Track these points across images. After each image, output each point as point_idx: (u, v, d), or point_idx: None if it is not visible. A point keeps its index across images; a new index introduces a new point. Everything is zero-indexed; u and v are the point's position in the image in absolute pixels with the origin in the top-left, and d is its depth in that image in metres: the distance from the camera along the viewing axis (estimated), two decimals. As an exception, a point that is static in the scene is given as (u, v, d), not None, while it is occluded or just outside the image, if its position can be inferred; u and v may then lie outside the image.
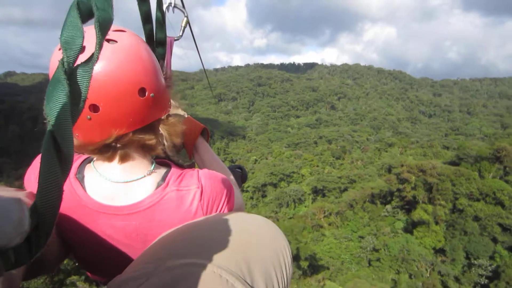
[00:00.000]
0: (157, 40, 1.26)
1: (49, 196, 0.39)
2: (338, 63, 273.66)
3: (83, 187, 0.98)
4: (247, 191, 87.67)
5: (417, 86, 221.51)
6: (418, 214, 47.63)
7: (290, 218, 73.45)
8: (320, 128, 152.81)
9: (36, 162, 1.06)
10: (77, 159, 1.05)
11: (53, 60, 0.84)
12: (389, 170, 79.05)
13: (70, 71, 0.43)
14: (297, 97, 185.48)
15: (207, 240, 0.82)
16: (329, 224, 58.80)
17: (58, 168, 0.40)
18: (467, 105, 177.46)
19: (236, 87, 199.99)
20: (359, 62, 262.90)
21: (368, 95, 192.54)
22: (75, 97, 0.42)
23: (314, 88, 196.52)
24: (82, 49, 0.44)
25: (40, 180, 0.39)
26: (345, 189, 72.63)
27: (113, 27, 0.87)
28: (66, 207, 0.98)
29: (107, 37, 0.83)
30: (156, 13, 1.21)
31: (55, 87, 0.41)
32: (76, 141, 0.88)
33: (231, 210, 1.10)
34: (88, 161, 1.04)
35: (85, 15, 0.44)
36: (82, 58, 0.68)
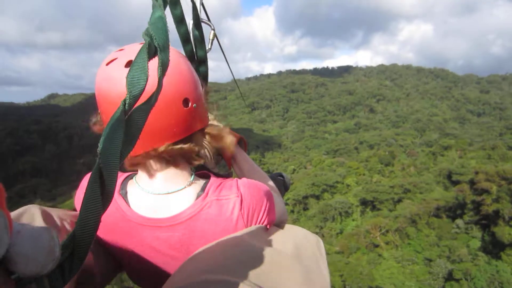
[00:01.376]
0: (198, 59, 1.27)
1: (87, 226, 0.40)
2: (374, 65, 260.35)
3: (127, 202, 1.01)
4: (287, 204, 78.26)
5: (461, 84, 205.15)
6: (509, 233, 37.49)
7: (338, 233, 64.97)
8: (360, 132, 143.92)
9: (84, 182, 1.07)
10: (120, 176, 1.08)
11: (100, 75, 0.88)
12: (449, 177, 68.48)
13: (129, 112, 0.45)
14: (333, 102, 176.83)
15: (243, 257, 0.81)
16: (387, 243, 49.56)
17: (99, 202, 0.41)
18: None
19: (269, 95, 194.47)
20: (395, 63, 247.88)
21: (409, 96, 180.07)
22: (129, 137, 0.44)
23: (350, 91, 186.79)
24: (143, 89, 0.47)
25: (81, 210, 0.41)
26: (399, 200, 63.00)
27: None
28: (112, 222, 1.01)
29: None
30: (193, 32, 1.22)
31: (113, 125, 0.42)
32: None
33: (273, 218, 1.09)
34: (130, 177, 1.07)
35: (151, 54, 0.47)
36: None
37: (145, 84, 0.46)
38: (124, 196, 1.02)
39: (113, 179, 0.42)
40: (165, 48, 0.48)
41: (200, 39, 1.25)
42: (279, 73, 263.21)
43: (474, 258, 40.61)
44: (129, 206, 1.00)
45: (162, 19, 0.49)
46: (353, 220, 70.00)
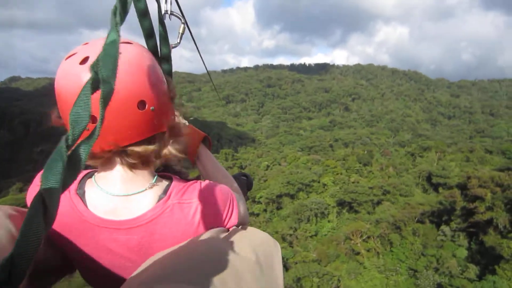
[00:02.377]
0: (162, 56, 1.23)
1: (27, 249, 0.40)
2: (350, 64, 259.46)
3: (84, 202, 0.97)
4: (259, 202, 74.75)
5: (433, 87, 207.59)
6: (508, 246, 33.60)
7: (313, 235, 60.49)
8: (335, 130, 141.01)
9: (36, 181, 1.05)
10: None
11: (59, 69, 0.85)
12: (429, 179, 65.42)
13: (72, 146, 0.44)
14: (309, 99, 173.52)
15: (201, 262, 0.81)
16: (368, 251, 45.24)
17: (41, 226, 0.41)
18: (489, 106, 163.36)
19: (245, 88, 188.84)
20: (371, 63, 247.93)
21: (384, 96, 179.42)
22: (72, 169, 0.44)
23: (326, 89, 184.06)
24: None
25: (21, 233, 0.40)
26: (379, 202, 59.20)
27: (121, 39, 0.87)
28: (67, 223, 0.97)
29: None
30: (158, 28, 1.19)
31: (55, 158, 0.42)
32: None
33: (235, 222, 1.10)
34: (88, 176, 1.03)
35: (96, 88, 0.46)
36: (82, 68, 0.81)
37: (87, 122, 0.45)
38: (82, 196, 0.98)
39: (55, 205, 0.42)
40: (109, 78, 0.47)
41: (164, 35, 1.21)
42: (256, 67, 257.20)
43: (463, 270, 36.77)
44: (86, 206, 0.96)
45: (115, 44, 0.48)
46: (329, 221, 65.71)
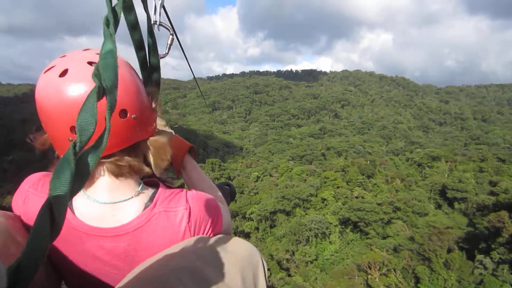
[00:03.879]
0: (151, 66, 1.23)
1: (34, 259, 0.40)
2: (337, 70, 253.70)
3: (72, 210, 0.97)
4: (251, 219, 65.11)
5: (421, 93, 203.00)
6: None
7: (314, 260, 51.28)
8: (325, 138, 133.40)
9: (24, 186, 1.05)
10: None
11: (38, 83, 0.85)
12: (443, 193, 57.01)
13: (79, 153, 0.44)
14: (298, 105, 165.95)
15: (186, 271, 0.82)
16: (387, 287, 36.03)
17: (48, 236, 0.41)
18: (480, 112, 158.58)
19: (232, 95, 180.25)
20: (359, 69, 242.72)
21: (374, 102, 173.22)
22: (79, 177, 0.44)
23: (315, 95, 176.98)
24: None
25: (29, 242, 0.40)
26: (389, 221, 50.48)
27: (96, 50, 0.90)
28: None
29: (90, 60, 0.85)
30: (147, 39, 1.19)
31: (63, 166, 0.43)
32: None
33: (219, 231, 1.11)
34: None
35: (100, 96, 0.46)
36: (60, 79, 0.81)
37: (95, 128, 0.45)
38: (69, 203, 0.97)
39: (63, 214, 0.42)
40: (113, 88, 0.47)
41: (154, 47, 1.21)
42: (242, 73, 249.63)
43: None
44: (73, 213, 0.97)
45: (112, 53, 0.48)
46: (330, 243, 56.53)
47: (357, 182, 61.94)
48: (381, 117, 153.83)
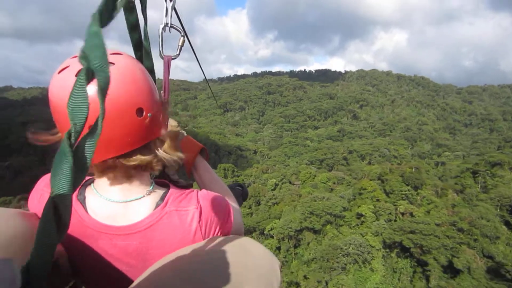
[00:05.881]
0: (145, 68, 1.25)
1: (43, 258, 0.40)
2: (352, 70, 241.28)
3: (85, 208, 0.98)
4: (271, 236, 54.14)
5: (442, 93, 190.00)
6: None
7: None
8: (345, 140, 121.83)
9: (39, 184, 1.06)
10: None
11: (52, 84, 0.85)
12: (513, 210, 45.25)
13: (75, 144, 0.43)
14: (313, 106, 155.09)
15: (200, 270, 0.82)
16: None
17: (54, 234, 0.40)
18: (510, 112, 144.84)
19: (244, 95, 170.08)
20: (375, 69, 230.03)
21: (394, 103, 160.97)
22: (79, 168, 0.42)
23: (331, 95, 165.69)
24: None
25: (36, 242, 0.40)
26: (453, 248, 39.01)
27: (110, 50, 0.89)
28: (69, 228, 0.98)
29: None
30: (143, 42, 1.20)
31: (60, 159, 0.41)
32: None
33: (229, 231, 1.10)
34: (88, 183, 1.05)
35: (90, 78, 0.44)
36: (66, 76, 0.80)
37: (87, 112, 0.43)
38: (82, 201, 1.00)
39: (68, 210, 0.42)
40: (102, 67, 0.44)
41: (148, 51, 1.23)
42: (254, 74, 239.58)
43: None
44: (87, 212, 0.98)
45: (98, 34, 0.45)
46: (372, 270, 45.34)
47: (401, 194, 50.38)
48: (403, 118, 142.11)
